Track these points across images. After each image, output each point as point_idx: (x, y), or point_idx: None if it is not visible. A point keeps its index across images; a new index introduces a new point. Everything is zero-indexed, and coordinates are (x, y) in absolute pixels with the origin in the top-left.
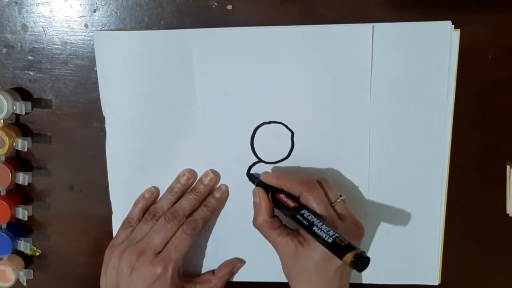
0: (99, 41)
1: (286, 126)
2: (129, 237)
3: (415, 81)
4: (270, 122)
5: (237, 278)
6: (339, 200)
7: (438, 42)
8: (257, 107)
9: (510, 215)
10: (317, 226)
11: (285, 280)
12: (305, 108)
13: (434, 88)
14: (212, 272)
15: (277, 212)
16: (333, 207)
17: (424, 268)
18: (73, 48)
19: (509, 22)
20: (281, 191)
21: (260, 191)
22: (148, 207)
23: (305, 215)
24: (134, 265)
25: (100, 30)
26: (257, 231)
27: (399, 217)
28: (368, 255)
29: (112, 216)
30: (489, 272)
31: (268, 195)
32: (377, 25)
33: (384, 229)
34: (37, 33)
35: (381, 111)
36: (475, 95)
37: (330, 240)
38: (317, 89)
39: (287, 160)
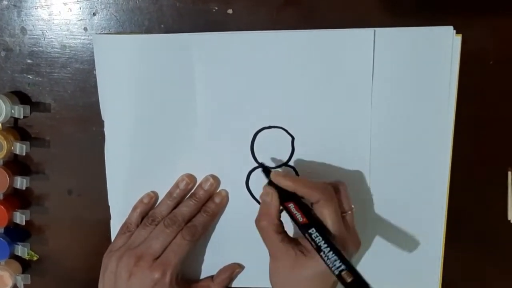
0: (98, 45)
1: (287, 131)
2: (128, 242)
3: (417, 86)
4: (270, 127)
5: (236, 283)
6: (349, 212)
7: (439, 47)
8: (257, 111)
9: None
10: (324, 252)
11: None
12: (306, 113)
13: (435, 93)
14: (211, 277)
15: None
16: (343, 216)
17: (425, 276)
18: (72, 52)
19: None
20: (291, 198)
21: (275, 192)
22: (146, 212)
23: (312, 236)
24: (132, 270)
25: (100, 33)
26: (256, 236)
27: (400, 222)
28: (367, 261)
29: (111, 220)
30: (491, 279)
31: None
32: (379, 30)
33: (384, 235)
34: (36, 36)
35: (383, 116)
36: (477, 101)
37: (336, 273)
38: (318, 94)
39: (287, 165)
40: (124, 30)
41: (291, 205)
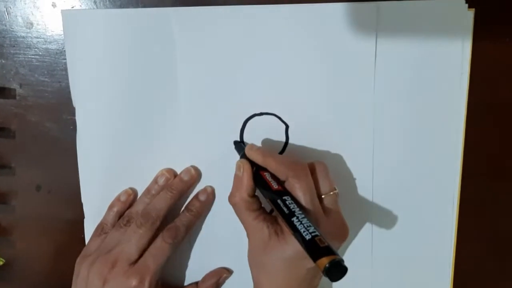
0: (68, 22)
1: (280, 118)
2: (101, 245)
3: (424, 68)
4: (262, 114)
5: None
6: (331, 193)
7: (449, 23)
8: (247, 96)
9: None
10: (297, 217)
11: None
12: (301, 98)
13: (445, 74)
14: (196, 284)
15: (258, 192)
16: (322, 199)
17: (435, 276)
18: (40, 30)
19: None
20: (267, 169)
21: (246, 164)
22: (124, 211)
23: (286, 202)
24: (106, 277)
25: (70, 9)
26: (245, 238)
27: (407, 221)
28: (374, 261)
29: (84, 220)
30: (504, 278)
31: (252, 171)
32: (382, 3)
33: (390, 233)
34: None
35: (387, 101)
36: (491, 84)
37: (308, 237)
38: (314, 76)
39: None
40: (97, 5)
41: (267, 174)
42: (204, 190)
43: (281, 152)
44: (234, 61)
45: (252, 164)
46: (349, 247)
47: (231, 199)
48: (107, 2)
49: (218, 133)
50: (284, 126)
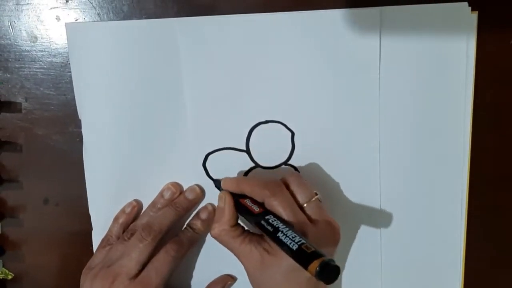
0: (72, 34)
1: (286, 126)
2: (104, 258)
3: (429, 71)
4: (267, 122)
5: None
6: (313, 199)
7: (453, 26)
8: (252, 105)
9: None
10: (282, 232)
11: None
12: (306, 105)
13: (450, 78)
14: None
15: (241, 219)
16: (304, 208)
17: (445, 279)
18: (44, 44)
19: None
20: (247, 196)
21: (228, 195)
22: (129, 223)
23: (269, 220)
24: None
25: (74, 22)
26: None
27: (415, 223)
28: (383, 263)
29: (92, 232)
30: None
31: (234, 202)
32: (386, 8)
33: (399, 236)
34: (2, 27)
35: (392, 106)
36: (495, 87)
37: (295, 247)
38: (319, 83)
39: (287, 164)
40: (101, 18)
41: (247, 200)
42: (205, 208)
43: (288, 160)
44: (239, 70)
45: (233, 195)
46: (358, 251)
47: (212, 232)
48: (111, 14)
49: (224, 143)
50: (289, 134)
